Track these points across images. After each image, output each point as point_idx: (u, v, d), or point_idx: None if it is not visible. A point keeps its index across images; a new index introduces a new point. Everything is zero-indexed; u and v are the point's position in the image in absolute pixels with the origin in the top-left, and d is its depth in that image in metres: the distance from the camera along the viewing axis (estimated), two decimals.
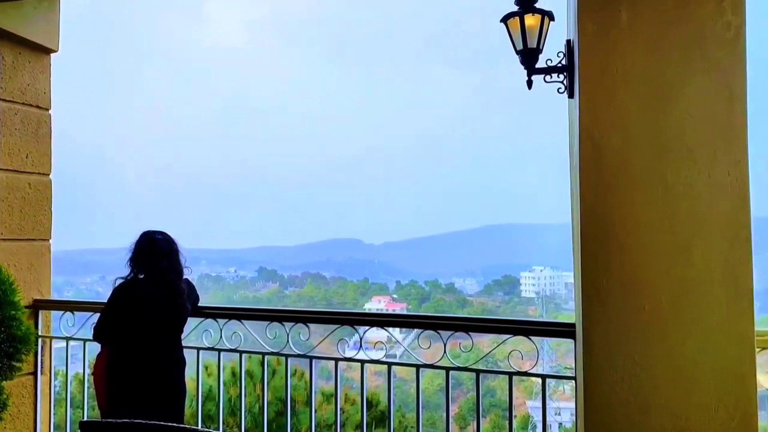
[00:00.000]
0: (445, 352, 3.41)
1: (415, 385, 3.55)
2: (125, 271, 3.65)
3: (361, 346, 3.70)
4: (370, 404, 6.16)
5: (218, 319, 3.95)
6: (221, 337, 3.96)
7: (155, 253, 3.62)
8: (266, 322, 3.84)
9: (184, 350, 3.77)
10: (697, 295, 2.54)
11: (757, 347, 2.56)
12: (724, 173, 2.52)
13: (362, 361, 3.66)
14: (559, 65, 2.92)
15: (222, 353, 3.99)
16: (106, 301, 3.65)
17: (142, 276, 3.63)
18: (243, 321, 3.93)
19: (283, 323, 3.78)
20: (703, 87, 2.56)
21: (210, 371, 5.74)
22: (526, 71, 2.96)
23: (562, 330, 3.23)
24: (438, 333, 3.42)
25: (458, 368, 3.42)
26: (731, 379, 2.50)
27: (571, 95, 2.89)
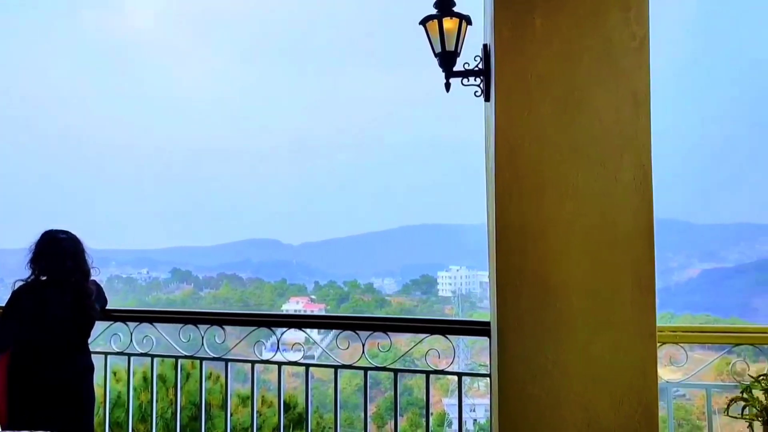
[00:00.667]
0: (363, 352, 3.42)
1: (333, 385, 3.53)
2: (26, 273, 3.44)
3: (278, 347, 3.64)
4: (287, 406, 6.09)
5: (128, 323, 3.80)
6: (131, 341, 3.81)
7: (59, 253, 3.43)
8: (180, 325, 3.73)
9: (92, 356, 3.59)
10: (605, 294, 2.65)
11: (658, 342, 2.69)
12: (630, 176, 2.64)
13: (279, 363, 3.61)
14: (476, 69, 2.98)
15: (132, 358, 3.84)
16: (3, 305, 3.43)
17: (44, 278, 3.43)
18: (155, 324, 3.79)
19: (198, 326, 3.68)
20: (611, 93, 2.67)
21: (119, 377, 5.51)
22: (444, 74, 3.00)
23: (478, 328, 3.30)
24: (356, 333, 3.42)
25: (376, 368, 3.43)
26: (636, 373, 2.63)
27: (487, 98, 2.96)
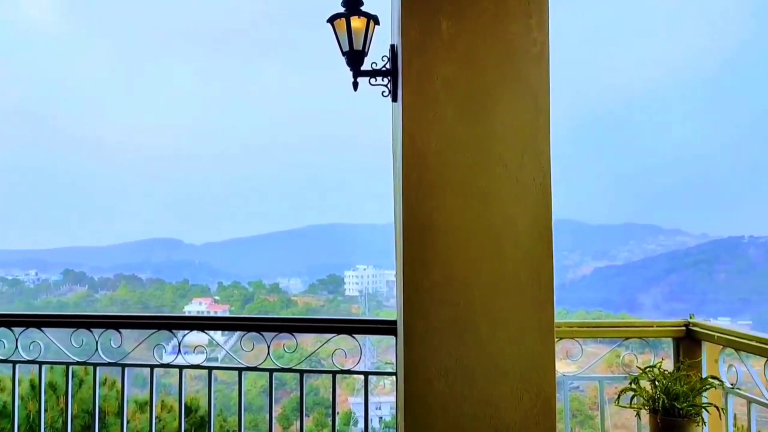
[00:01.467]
0: (268, 353, 3.36)
1: (237, 388, 3.45)
2: None
3: (179, 350, 3.52)
4: (189, 410, 5.89)
5: (13, 328, 3.56)
6: (17, 347, 3.56)
7: None
8: (71, 329, 3.53)
9: None
10: (507, 291, 2.74)
11: (556, 337, 2.81)
12: (530, 178, 2.74)
13: (181, 367, 3.48)
14: (384, 69, 3.00)
15: (18, 365, 3.59)
16: None
17: None
18: (44, 329, 3.57)
19: (92, 330, 3.50)
20: (513, 97, 2.76)
21: (4, 385, 5.16)
22: (352, 73, 3.00)
23: (384, 327, 3.32)
24: (261, 335, 3.36)
25: (282, 369, 3.38)
26: (535, 367, 2.72)
27: (395, 99, 2.98)
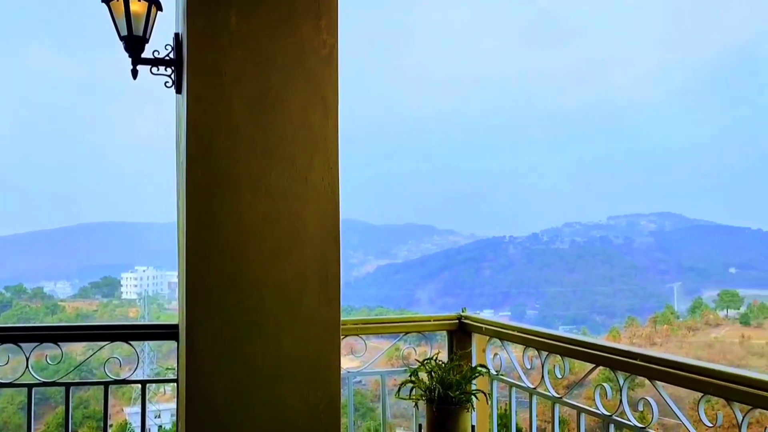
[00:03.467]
0: (27, 366, 2.99)
1: None
2: None
3: None
4: None
5: None
6: None
7: None
8: None
9: None
10: (295, 291, 2.73)
11: (342, 335, 2.87)
12: (319, 178, 2.76)
13: None
14: (167, 58, 2.82)
15: None
16: None
17: None
18: None
19: None
20: (303, 98, 2.76)
21: None
22: (131, 60, 2.78)
23: (165, 332, 3.14)
24: (19, 346, 2.98)
25: (44, 384, 3.03)
26: (321, 366, 2.75)
27: (179, 90, 2.82)
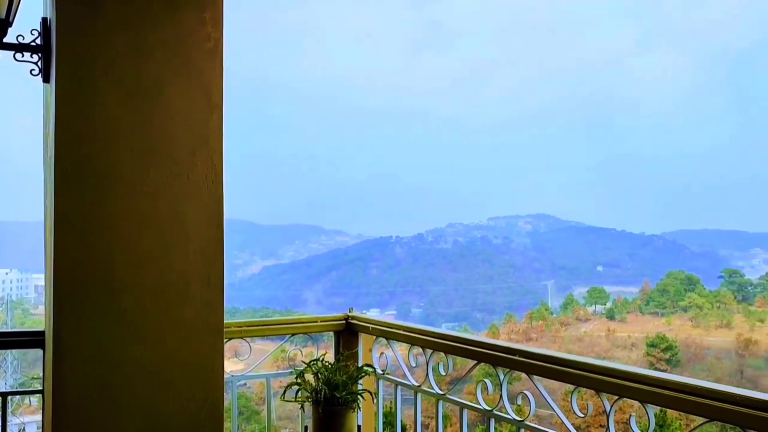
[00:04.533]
0: None
1: None
2: None
3: None
4: None
5: None
6: None
7: None
8: None
9: None
10: (175, 293, 2.61)
11: (225, 338, 2.78)
12: (202, 176, 2.65)
13: None
14: (33, 44, 2.61)
15: None
16: None
17: None
18: None
19: None
20: (186, 92, 2.64)
21: None
22: None
23: (30, 339, 2.90)
24: None
25: None
26: (203, 370, 2.65)
27: (46, 79, 2.62)
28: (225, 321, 2.73)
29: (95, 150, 2.50)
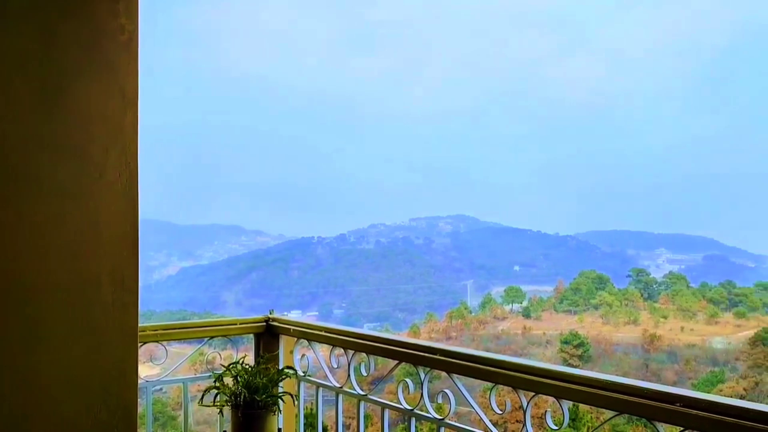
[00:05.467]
0: None
1: None
2: None
3: None
4: None
5: None
6: None
7: None
8: None
9: None
10: (87, 297, 2.49)
11: (140, 342, 2.68)
12: (116, 174, 2.55)
13: None
14: None
15: None
16: None
17: None
18: None
19: None
20: (98, 85, 2.53)
21: None
22: None
23: None
24: None
25: None
26: (115, 376, 2.54)
27: None
28: (140, 324, 2.63)
29: (1, 146, 2.35)
